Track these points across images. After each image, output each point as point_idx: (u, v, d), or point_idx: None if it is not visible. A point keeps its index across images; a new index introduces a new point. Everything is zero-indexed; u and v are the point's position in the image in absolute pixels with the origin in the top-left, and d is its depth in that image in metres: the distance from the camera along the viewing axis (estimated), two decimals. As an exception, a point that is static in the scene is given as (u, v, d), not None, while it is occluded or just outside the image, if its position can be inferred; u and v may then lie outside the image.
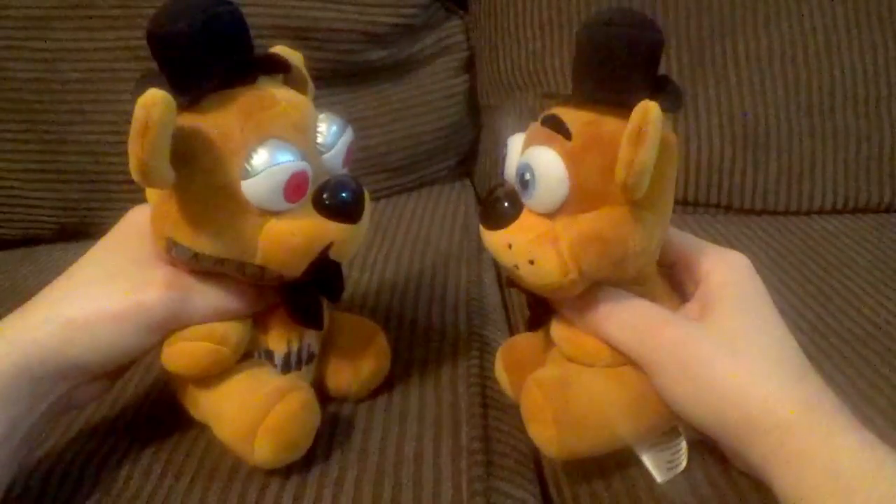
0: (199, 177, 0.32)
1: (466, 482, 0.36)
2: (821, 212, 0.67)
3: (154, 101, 0.28)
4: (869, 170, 0.66)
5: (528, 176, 0.33)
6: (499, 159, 0.36)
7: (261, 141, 0.32)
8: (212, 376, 0.36)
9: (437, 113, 0.78)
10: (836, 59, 0.66)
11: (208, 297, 0.35)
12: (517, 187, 0.34)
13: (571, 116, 0.32)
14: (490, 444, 0.39)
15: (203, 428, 0.39)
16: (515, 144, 0.35)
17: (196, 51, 0.31)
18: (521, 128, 0.35)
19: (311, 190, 0.34)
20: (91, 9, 0.64)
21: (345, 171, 0.37)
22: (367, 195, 0.36)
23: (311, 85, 0.38)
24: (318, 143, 0.35)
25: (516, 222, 0.34)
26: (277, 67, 0.35)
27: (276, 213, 0.33)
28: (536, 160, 0.32)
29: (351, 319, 0.44)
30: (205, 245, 0.33)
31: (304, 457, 0.38)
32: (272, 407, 0.35)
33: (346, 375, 0.41)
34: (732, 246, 0.60)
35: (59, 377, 0.33)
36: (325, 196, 0.34)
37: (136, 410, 0.43)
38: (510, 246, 0.34)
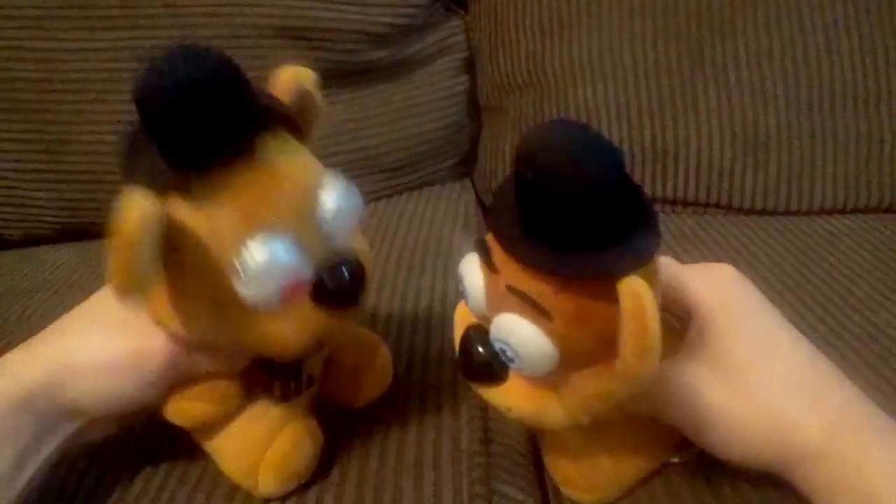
0: (189, 271, 0.29)
1: (467, 485, 0.36)
2: (821, 212, 0.67)
3: (134, 224, 0.26)
4: (869, 170, 0.66)
5: (509, 353, 0.28)
6: (459, 290, 0.31)
7: (253, 236, 0.29)
8: None
9: (437, 113, 0.78)
10: (836, 59, 0.66)
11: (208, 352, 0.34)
12: (498, 352, 0.29)
13: (540, 289, 0.27)
14: (490, 446, 0.39)
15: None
16: (472, 277, 0.30)
17: (183, 124, 0.27)
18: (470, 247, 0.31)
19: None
20: (91, 9, 0.64)
21: (348, 236, 0.33)
22: (368, 273, 0.33)
23: (322, 108, 0.35)
24: (320, 220, 0.31)
25: (508, 385, 0.31)
26: (280, 120, 0.32)
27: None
28: (519, 342, 0.28)
29: (353, 333, 0.43)
30: (196, 335, 0.32)
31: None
32: (271, 442, 0.35)
33: (349, 391, 0.41)
34: (732, 246, 0.61)
35: (64, 416, 0.33)
36: (324, 287, 0.31)
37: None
38: (510, 409, 0.31)
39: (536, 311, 0.27)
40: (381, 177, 0.76)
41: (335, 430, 0.40)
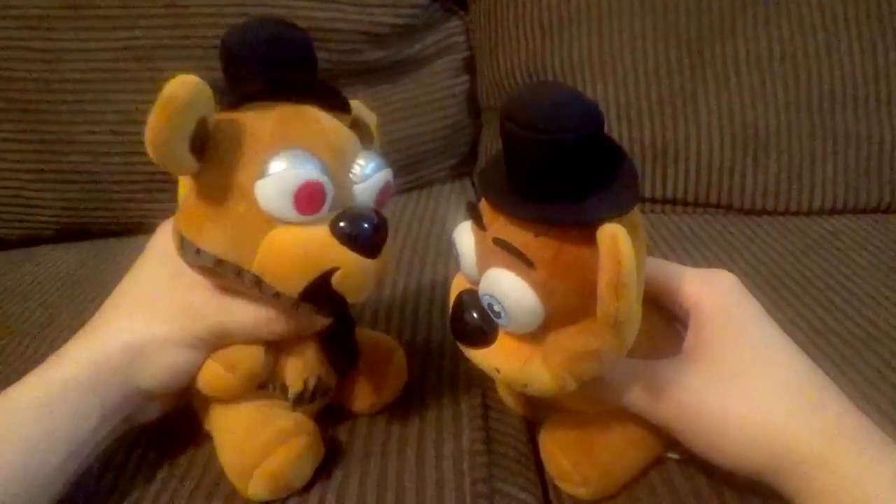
0: (219, 172, 0.32)
1: (469, 484, 0.36)
2: (821, 212, 0.67)
3: (185, 80, 0.28)
4: (869, 170, 0.67)
5: (497, 307, 0.29)
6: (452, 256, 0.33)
7: (285, 147, 0.32)
8: (225, 400, 0.37)
9: (437, 113, 0.78)
10: (836, 59, 0.66)
11: (242, 316, 0.35)
12: (487, 309, 0.30)
13: (523, 239, 0.28)
14: (492, 445, 0.39)
15: (207, 432, 0.39)
16: (464, 240, 0.32)
17: (254, 62, 0.32)
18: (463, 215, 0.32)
19: (329, 208, 0.32)
20: (91, 9, 0.64)
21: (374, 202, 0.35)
22: (389, 235, 0.34)
23: (376, 141, 0.39)
24: (352, 173, 0.34)
25: (497, 345, 0.31)
26: (331, 97, 0.35)
27: (284, 224, 0.32)
28: (503, 292, 0.29)
29: (371, 337, 0.43)
30: (207, 241, 0.32)
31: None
32: (273, 451, 0.35)
33: (365, 398, 0.41)
34: (732, 246, 0.61)
35: (122, 399, 0.34)
36: (342, 221, 0.32)
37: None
38: (498, 371, 0.31)
39: (520, 260, 0.28)
40: (382, 177, 0.76)
41: (337, 430, 0.40)
